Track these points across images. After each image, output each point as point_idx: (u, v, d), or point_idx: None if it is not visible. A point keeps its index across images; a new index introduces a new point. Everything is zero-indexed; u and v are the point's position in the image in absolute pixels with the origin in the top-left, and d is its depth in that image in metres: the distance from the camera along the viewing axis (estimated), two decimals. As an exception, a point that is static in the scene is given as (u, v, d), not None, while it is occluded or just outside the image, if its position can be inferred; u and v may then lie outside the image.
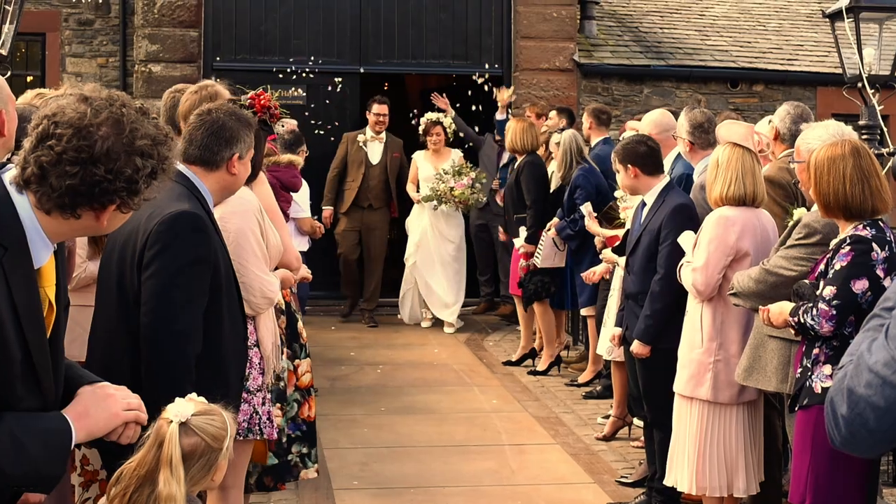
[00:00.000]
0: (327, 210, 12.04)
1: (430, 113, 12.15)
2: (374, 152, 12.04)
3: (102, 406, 2.74)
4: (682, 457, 5.69)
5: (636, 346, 6.14)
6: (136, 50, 13.60)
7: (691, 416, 5.66)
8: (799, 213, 5.22)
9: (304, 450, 5.36)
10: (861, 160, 4.53)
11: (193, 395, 3.08)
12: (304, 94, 13.38)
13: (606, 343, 7.76)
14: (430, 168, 11.83)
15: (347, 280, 12.38)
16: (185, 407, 2.98)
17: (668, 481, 5.83)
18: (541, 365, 9.91)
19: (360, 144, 11.99)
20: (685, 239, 5.81)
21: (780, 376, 5.10)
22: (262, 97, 4.95)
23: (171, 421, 2.95)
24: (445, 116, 12.04)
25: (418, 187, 11.95)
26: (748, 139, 5.70)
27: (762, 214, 5.65)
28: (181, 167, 4.10)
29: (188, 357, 3.77)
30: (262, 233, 4.72)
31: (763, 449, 5.74)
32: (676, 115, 7.43)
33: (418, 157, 12.09)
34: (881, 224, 4.57)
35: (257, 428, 4.71)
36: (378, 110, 11.99)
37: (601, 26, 15.56)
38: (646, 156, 6.33)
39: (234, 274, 4.18)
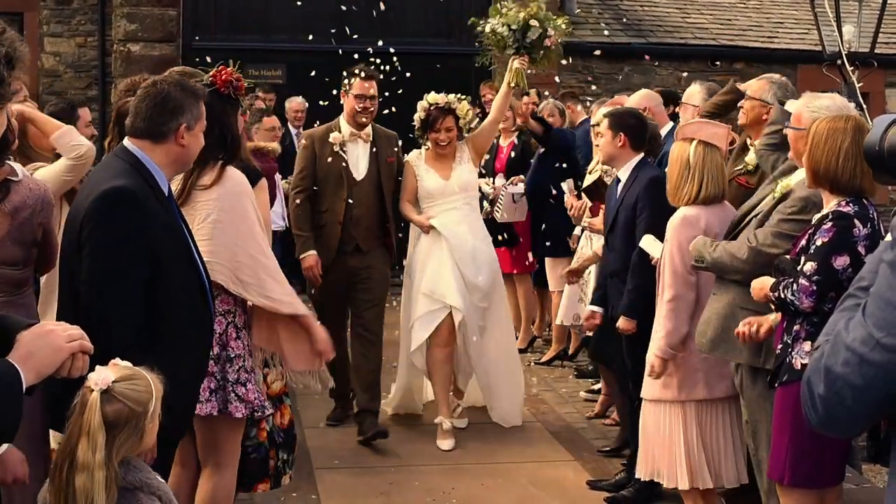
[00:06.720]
0: (311, 258, 7.27)
1: (433, 94, 7.49)
2: (358, 159, 7.40)
3: (45, 343, 2.66)
4: (680, 457, 5.48)
5: (622, 322, 6.12)
6: (115, 29, 13.52)
7: (688, 418, 5.49)
8: (784, 185, 5.14)
9: (285, 456, 5.36)
10: (861, 138, 4.51)
11: (118, 360, 3.09)
12: (284, 73, 13.29)
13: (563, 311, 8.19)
14: (435, 178, 7.42)
15: (340, 372, 7.07)
16: (105, 374, 2.99)
17: (667, 484, 5.64)
18: (519, 342, 9.89)
19: (338, 149, 7.35)
20: (648, 242, 5.79)
21: (753, 349, 4.96)
22: (223, 72, 4.77)
23: (93, 389, 2.96)
24: (461, 101, 7.45)
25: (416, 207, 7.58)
26: (724, 141, 5.60)
27: (726, 206, 5.57)
28: (127, 143, 4.11)
29: (123, 332, 3.80)
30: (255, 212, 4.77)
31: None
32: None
33: (416, 162, 7.51)
34: (865, 201, 4.56)
35: (260, 406, 4.77)
36: (362, 89, 7.31)
37: (581, 4, 15.54)
38: (636, 128, 6.35)
39: (193, 246, 4.18)
